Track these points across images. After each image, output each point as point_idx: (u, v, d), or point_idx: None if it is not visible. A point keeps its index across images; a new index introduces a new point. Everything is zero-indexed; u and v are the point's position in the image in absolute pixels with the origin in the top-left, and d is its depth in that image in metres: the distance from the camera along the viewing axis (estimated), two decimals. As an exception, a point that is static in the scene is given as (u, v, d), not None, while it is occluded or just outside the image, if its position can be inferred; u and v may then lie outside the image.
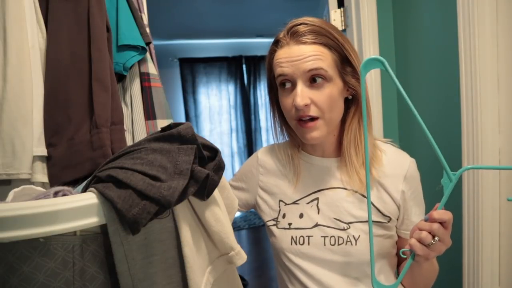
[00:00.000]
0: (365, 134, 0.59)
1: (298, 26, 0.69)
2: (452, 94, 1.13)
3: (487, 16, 0.98)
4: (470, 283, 1.08)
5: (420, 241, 0.59)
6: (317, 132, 0.71)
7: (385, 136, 1.52)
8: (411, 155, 0.78)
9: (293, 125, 0.74)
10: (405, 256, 0.64)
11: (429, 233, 0.58)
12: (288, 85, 0.71)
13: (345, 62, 0.71)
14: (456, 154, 1.11)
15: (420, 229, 0.59)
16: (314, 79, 0.68)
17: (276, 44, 0.73)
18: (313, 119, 0.70)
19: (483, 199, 1.02)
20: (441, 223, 0.58)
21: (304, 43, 0.68)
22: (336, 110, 0.72)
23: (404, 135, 1.52)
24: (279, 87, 0.74)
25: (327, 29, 0.69)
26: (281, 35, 0.72)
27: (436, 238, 0.58)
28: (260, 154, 0.89)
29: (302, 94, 0.68)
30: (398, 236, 0.78)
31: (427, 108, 1.30)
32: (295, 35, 0.69)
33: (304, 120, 0.70)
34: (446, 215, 0.58)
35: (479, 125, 1.01)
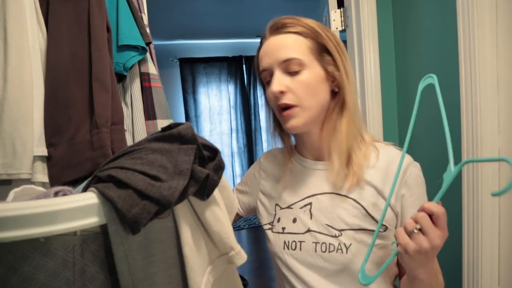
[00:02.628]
0: (403, 155, 0.60)
1: (277, 21, 0.72)
2: (452, 94, 1.13)
3: (487, 16, 0.98)
4: (469, 283, 1.08)
5: (404, 228, 0.57)
6: (296, 120, 0.70)
7: (384, 137, 1.52)
8: (411, 157, 0.74)
9: (278, 115, 0.75)
10: (393, 248, 0.62)
11: (414, 221, 0.57)
12: (270, 78, 0.72)
13: (324, 51, 0.71)
14: (456, 154, 1.11)
15: (410, 217, 0.58)
16: (289, 67, 0.69)
17: (261, 42, 0.75)
18: (290, 107, 0.70)
19: (482, 199, 1.02)
20: (430, 216, 0.56)
21: (279, 33, 0.71)
22: (316, 97, 0.71)
23: (404, 137, 1.52)
24: (264, 82, 0.75)
25: (303, 20, 0.71)
26: (263, 34, 0.75)
27: (418, 226, 0.55)
28: (263, 158, 0.89)
29: (278, 81, 0.69)
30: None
31: (427, 108, 1.30)
32: (272, 29, 0.72)
33: (284, 108, 0.71)
34: (436, 208, 0.55)
35: (479, 125, 1.01)
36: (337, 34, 1.54)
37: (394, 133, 1.55)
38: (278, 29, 0.71)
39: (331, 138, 0.73)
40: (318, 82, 0.70)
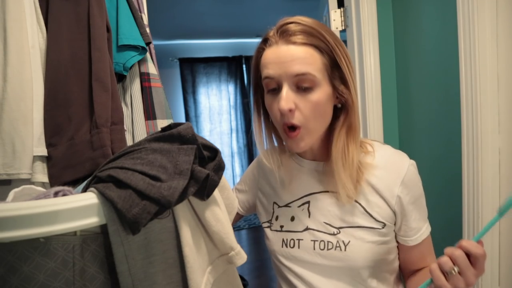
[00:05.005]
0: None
1: (289, 25, 0.64)
2: (452, 94, 1.13)
3: (487, 16, 0.98)
4: (470, 283, 1.08)
5: (439, 266, 0.55)
6: (302, 143, 0.67)
7: (385, 137, 1.52)
8: (412, 157, 0.74)
9: (280, 131, 0.70)
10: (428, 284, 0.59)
11: (451, 260, 0.54)
12: (274, 87, 0.67)
13: (335, 67, 0.66)
14: (456, 154, 1.11)
15: (445, 253, 0.55)
16: (301, 83, 0.64)
17: (265, 42, 0.68)
18: (295, 127, 0.66)
19: (483, 199, 1.02)
20: (468, 255, 0.53)
21: (294, 43, 0.63)
22: (322, 118, 0.68)
23: (404, 137, 1.52)
24: (265, 88, 0.69)
25: (319, 30, 0.65)
26: (271, 34, 0.67)
27: (456, 268, 0.53)
28: (260, 156, 0.89)
29: (287, 98, 0.63)
30: (398, 242, 0.75)
31: (427, 108, 1.30)
32: (284, 34, 0.64)
33: (289, 127, 0.67)
34: (476, 248, 0.52)
35: (479, 125, 1.01)
36: (337, 34, 1.54)
37: (394, 133, 1.55)
38: (291, 36, 0.63)
39: (338, 155, 0.69)
40: (326, 102, 0.66)
